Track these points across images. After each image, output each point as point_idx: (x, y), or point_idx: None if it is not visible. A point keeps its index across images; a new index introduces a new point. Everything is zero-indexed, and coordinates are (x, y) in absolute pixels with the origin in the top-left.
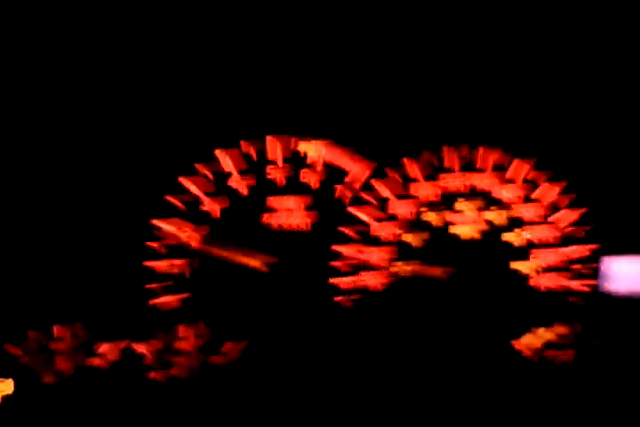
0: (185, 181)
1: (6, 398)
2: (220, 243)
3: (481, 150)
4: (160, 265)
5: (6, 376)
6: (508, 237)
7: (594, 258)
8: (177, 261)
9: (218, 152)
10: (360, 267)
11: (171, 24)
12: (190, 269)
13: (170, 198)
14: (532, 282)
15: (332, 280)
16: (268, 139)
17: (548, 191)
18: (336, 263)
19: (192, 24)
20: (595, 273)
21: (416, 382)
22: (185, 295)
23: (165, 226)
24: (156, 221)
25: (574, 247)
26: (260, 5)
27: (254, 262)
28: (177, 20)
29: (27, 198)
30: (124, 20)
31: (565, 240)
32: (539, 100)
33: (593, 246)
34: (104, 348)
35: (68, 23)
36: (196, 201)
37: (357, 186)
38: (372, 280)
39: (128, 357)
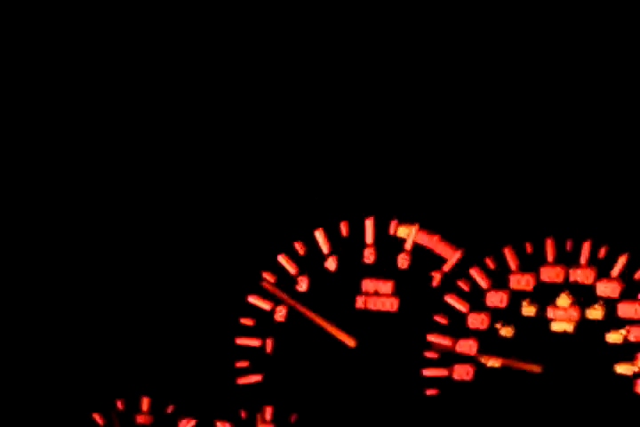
0: (282, 259)
1: None
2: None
3: (584, 244)
4: (251, 342)
5: None
6: (607, 336)
7: None
8: (268, 339)
9: (317, 233)
10: (450, 358)
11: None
12: (276, 347)
13: (266, 275)
14: (635, 386)
15: (423, 371)
16: (368, 221)
17: None
18: (428, 353)
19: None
20: None
21: None
22: (267, 376)
23: (260, 303)
24: (252, 298)
25: None
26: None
27: (345, 338)
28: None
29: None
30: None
31: None
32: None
33: None
34: (188, 424)
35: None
36: (292, 279)
37: (447, 275)
38: (460, 372)
39: None
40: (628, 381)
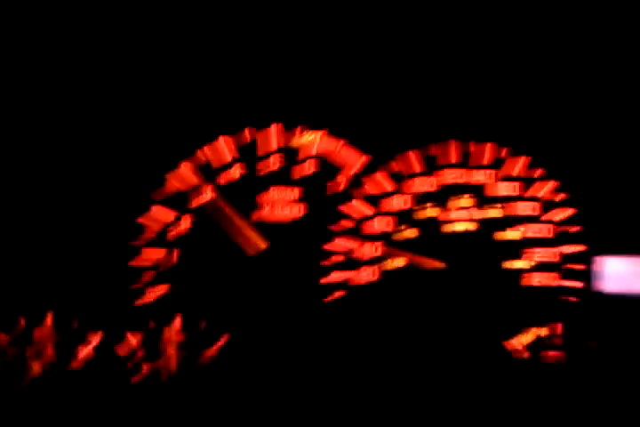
0: (184, 169)
1: None
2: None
3: (477, 147)
4: (154, 254)
5: None
6: (501, 234)
7: (587, 257)
8: (161, 251)
9: (221, 140)
10: (351, 263)
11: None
12: (174, 261)
13: (169, 185)
14: (524, 280)
15: (322, 278)
16: (272, 128)
17: (543, 189)
18: (328, 259)
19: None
20: (587, 272)
21: (405, 380)
22: (169, 287)
23: (163, 213)
24: (154, 208)
25: (567, 246)
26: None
27: (251, 241)
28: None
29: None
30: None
31: (559, 239)
32: (536, 97)
33: (586, 246)
34: (94, 338)
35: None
36: (186, 193)
37: (351, 180)
38: (363, 276)
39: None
40: (525, 274)
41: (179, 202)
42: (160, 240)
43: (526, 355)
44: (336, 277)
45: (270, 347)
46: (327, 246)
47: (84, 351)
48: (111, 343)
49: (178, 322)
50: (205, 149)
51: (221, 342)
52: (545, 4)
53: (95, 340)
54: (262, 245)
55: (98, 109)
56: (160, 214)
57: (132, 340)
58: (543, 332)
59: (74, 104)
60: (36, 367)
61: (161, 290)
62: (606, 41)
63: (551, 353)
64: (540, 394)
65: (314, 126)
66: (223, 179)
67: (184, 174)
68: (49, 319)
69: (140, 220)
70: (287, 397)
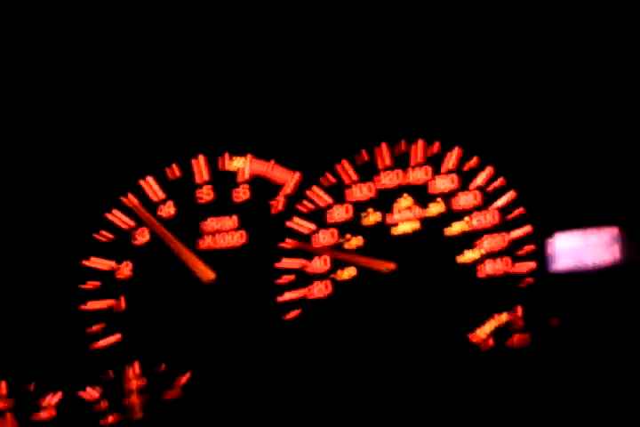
0: (112, 216)
1: None
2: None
3: (407, 146)
4: (101, 304)
5: None
6: (448, 229)
7: (535, 238)
8: (107, 301)
9: (144, 182)
10: (304, 279)
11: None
12: (129, 303)
13: (97, 235)
14: (479, 271)
15: (278, 297)
16: (194, 161)
17: (479, 178)
18: (284, 277)
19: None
20: (539, 253)
21: (376, 386)
22: (120, 335)
23: (101, 262)
24: (86, 262)
25: (515, 230)
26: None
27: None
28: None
29: None
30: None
31: (505, 224)
32: (455, 86)
33: (533, 226)
34: (50, 399)
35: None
36: (126, 234)
37: (289, 197)
38: (317, 291)
39: (79, 404)
40: (479, 263)
41: (116, 248)
42: (105, 289)
43: (491, 343)
44: (290, 295)
45: (235, 376)
46: (277, 266)
47: (46, 413)
48: (72, 400)
49: (136, 367)
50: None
51: (183, 381)
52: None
53: (55, 399)
54: (210, 275)
55: None
56: (99, 263)
57: (93, 392)
58: (504, 317)
59: None
60: None
61: (114, 338)
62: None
63: (516, 337)
64: (512, 381)
65: (239, 151)
66: (165, 213)
67: (116, 219)
68: (2, 387)
69: (83, 266)
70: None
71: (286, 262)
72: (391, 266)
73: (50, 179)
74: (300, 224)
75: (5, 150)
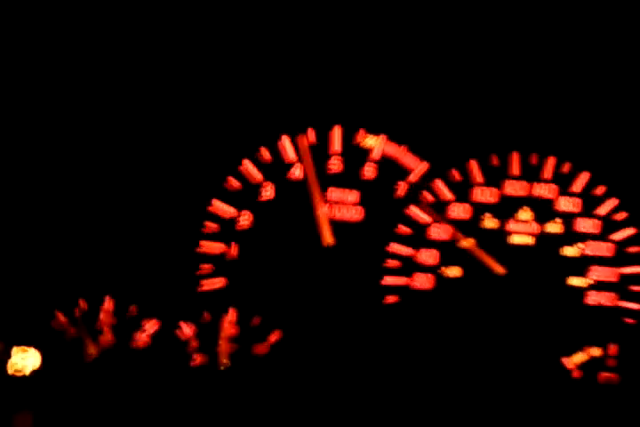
0: (247, 166)
1: (38, 370)
2: None
3: (539, 160)
4: (214, 248)
5: (50, 345)
6: (564, 250)
7: None
8: (233, 245)
9: (284, 138)
10: (412, 267)
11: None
12: (241, 252)
13: (231, 181)
14: (586, 298)
15: (382, 280)
16: (335, 130)
17: (604, 207)
18: (389, 262)
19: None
20: None
21: (460, 390)
22: (226, 281)
23: (224, 209)
24: (216, 203)
25: (627, 267)
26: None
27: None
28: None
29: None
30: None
31: (622, 258)
32: (601, 114)
33: None
34: (148, 327)
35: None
36: (257, 186)
37: (412, 186)
38: (421, 281)
39: (173, 337)
40: (580, 292)
41: (241, 198)
42: (221, 234)
43: (579, 374)
44: (391, 281)
45: (321, 346)
46: (385, 250)
47: (141, 338)
48: (167, 332)
49: (232, 315)
50: (268, 147)
51: (273, 339)
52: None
53: (152, 327)
54: (330, 240)
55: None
56: (222, 209)
57: (187, 330)
58: (597, 352)
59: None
60: (93, 350)
61: (218, 283)
62: None
63: (604, 374)
64: (589, 414)
65: (376, 130)
66: (287, 177)
67: (247, 171)
68: (108, 304)
69: (203, 213)
70: (333, 396)
71: (396, 248)
72: (502, 270)
73: (191, 127)
74: (416, 214)
75: (117, 146)
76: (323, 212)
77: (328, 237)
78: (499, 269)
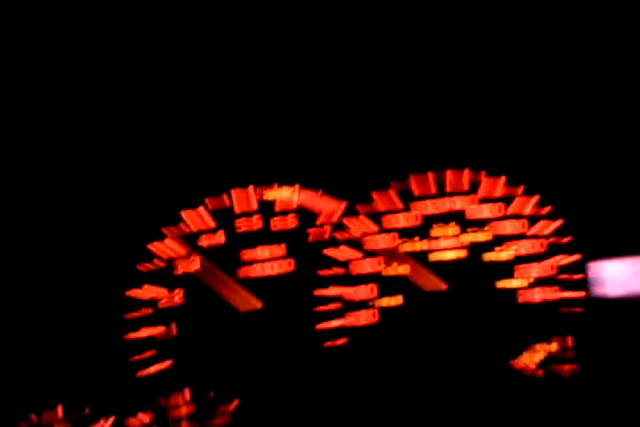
0: (154, 247)
1: None
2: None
3: (449, 173)
4: (142, 334)
5: None
6: (490, 256)
7: (580, 266)
8: (158, 329)
9: (184, 214)
10: (346, 307)
11: None
12: (171, 333)
13: (141, 267)
14: (522, 298)
15: (319, 325)
16: (234, 192)
17: (524, 205)
18: (321, 307)
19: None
20: (584, 281)
21: (418, 412)
22: (170, 361)
23: (142, 294)
24: (132, 292)
25: (559, 258)
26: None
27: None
28: None
29: None
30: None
31: (549, 252)
32: (496, 114)
33: (577, 255)
34: (103, 424)
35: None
36: (169, 265)
37: (330, 227)
38: (360, 319)
39: None
40: (523, 292)
41: (166, 275)
42: (155, 316)
43: (540, 372)
44: (335, 323)
45: (281, 402)
46: (321, 293)
47: None
48: (123, 424)
49: (186, 394)
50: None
51: (232, 407)
52: None
53: (108, 424)
54: (257, 304)
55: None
56: (151, 291)
57: (145, 418)
58: (553, 347)
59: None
60: None
61: (164, 365)
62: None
63: (565, 367)
64: (560, 409)
65: (287, 181)
66: (207, 243)
67: (168, 245)
68: (59, 411)
69: (131, 296)
70: None
71: (330, 290)
72: (443, 286)
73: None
74: (346, 251)
75: (49, 175)
76: (230, 284)
77: (254, 302)
78: (440, 284)
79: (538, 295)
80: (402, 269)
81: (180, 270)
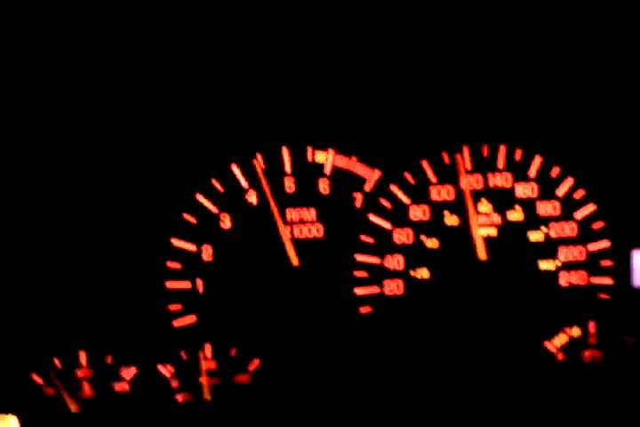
0: (201, 198)
1: None
2: None
3: (490, 150)
4: (181, 285)
5: (29, 407)
6: (529, 235)
7: (614, 253)
8: (197, 280)
9: (233, 167)
10: (380, 274)
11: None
12: (207, 287)
13: (187, 216)
14: (558, 280)
15: (354, 290)
16: (283, 150)
17: (561, 188)
18: (357, 272)
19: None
20: (616, 268)
21: (444, 386)
22: (196, 317)
23: (184, 244)
24: (175, 240)
25: (593, 243)
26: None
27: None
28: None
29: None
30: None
31: (588, 236)
32: (548, 96)
33: (611, 241)
34: (128, 372)
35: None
36: (214, 217)
37: (374, 192)
38: (392, 287)
39: (152, 380)
40: (552, 275)
41: (198, 232)
42: (184, 271)
43: (561, 357)
44: (362, 291)
45: (303, 367)
46: (349, 262)
47: (120, 386)
48: (145, 376)
49: (208, 350)
50: (218, 177)
51: (253, 367)
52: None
53: (129, 374)
54: (295, 262)
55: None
56: (181, 246)
57: (165, 371)
58: (577, 332)
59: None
60: (75, 407)
61: (189, 320)
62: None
63: (587, 353)
64: (580, 395)
65: (323, 145)
66: (242, 205)
67: (201, 204)
68: (82, 358)
69: (163, 252)
70: (323, 417)
71: (359, 259)
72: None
73: (141, 162)
74: (377, 222)
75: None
76: (285, 234)
77: (293, 259)
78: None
79: (567, 280)
80: (431, 244)
81: (220, 226)
